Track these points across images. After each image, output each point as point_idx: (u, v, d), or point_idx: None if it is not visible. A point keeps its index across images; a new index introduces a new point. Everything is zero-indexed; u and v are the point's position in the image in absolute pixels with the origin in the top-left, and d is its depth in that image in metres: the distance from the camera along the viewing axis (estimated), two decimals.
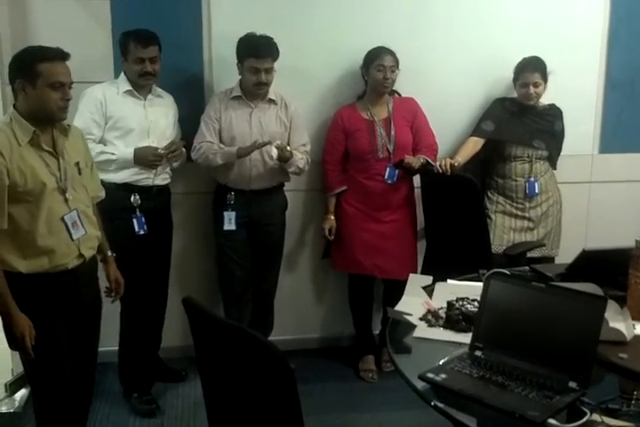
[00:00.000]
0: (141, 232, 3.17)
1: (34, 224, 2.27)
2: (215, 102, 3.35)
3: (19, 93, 2.29)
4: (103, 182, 2.92)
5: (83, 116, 3.07)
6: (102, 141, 3.12)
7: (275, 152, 3.26)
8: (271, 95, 3.36)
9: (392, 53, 3.44)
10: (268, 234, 3.47)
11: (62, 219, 2.34)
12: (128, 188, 3.15)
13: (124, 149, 3.10)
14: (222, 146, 3.31)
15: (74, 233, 2.37)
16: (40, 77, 2.24)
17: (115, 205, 3.03)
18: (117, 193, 3.08)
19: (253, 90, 3.29)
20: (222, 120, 3.33)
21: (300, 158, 3.37)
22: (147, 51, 3.07)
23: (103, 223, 2.61)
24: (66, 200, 2.36)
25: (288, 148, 3.27)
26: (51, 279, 2.33)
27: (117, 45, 3.17)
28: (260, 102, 3.35)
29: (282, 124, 3.39)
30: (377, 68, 3.43)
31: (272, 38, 3.25)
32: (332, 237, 3.58)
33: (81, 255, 2.41)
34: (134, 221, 3.15)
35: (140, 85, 3.14)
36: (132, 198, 3.15)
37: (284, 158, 3.27)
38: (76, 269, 2.40)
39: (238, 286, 3.49)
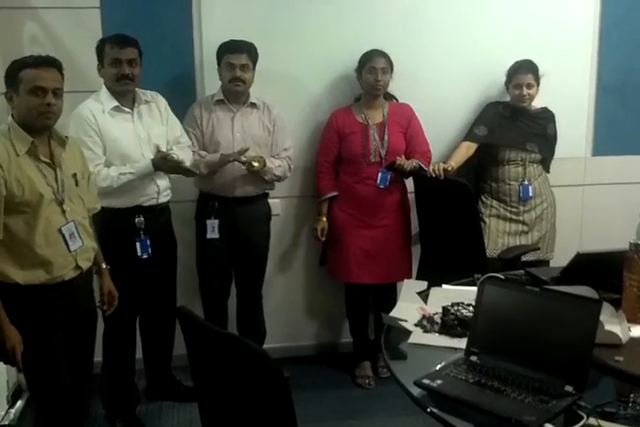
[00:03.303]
0: (144, 256, 3.04)
1: (31, 235, 2.25)
2: (195, 109, 3.34)
3: (9, 103, 2.29)
4: (105, 208, 2.88)
5: (82, 143, 2.79)
6: (107, 164, 2.96)
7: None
8: (253, 99, 3.34)
9: (385, 55, 3.44)
10: (251, 243, 3.43)
11: (60, 230, 2.32)
12: (131, 210, 3.02)
13: (139, 164, 2.97)
14: (204, 153, 3.29)
15: (71, 244, 2.35)
16: (21, 84, 2.23)
17: (115, 230, 2.96)
18: (118, 217, 2.99)
19: (229, 87, 3.26)
20: (204, 126, 3.31)
21: (278, 166, 3.35)
22: (123, 52, 2.93)
23: (101, 248, 2.59)
24: (63, 211, 2.34)
25: (254, 163, 3.20)
26: (47, 291, 2.31)
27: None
28: (242, 107, 3.34)
29: (265, 129, 3.37)
30: (369, 71, 3.43)
31: (252, 43, 3.26)
32: (324, 238, 3.57)
33: (78, 267, 2.40)
34: (137, 244, 3.02)
35: (119, 92, 2.98)
36: (136, 220, 3.02)
37: (252, 171, 3.23)
38: (72, 281, 2.37)
39: (216, 296, 3.47)
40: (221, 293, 3.49)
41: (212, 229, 3.32)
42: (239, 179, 3.29)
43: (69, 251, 2.35)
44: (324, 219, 3.57)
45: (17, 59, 2.32)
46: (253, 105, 3.35)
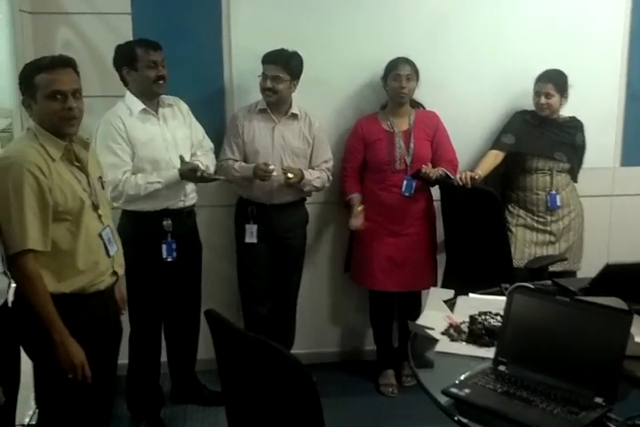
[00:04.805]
0: (169, 259, 3.07)
1: (74, 243, 2.19)
2: (237, 118, 3.38)
3: (27, 110, 2.21)
4: (133, 211, 2.95)
5: (110, 149, 2.91)
6: (137, 169, 2.99)
7: (279, 171, 3.23)
8: (294, 110, 3.37)
9: (410, 63, 3.45)
10: (288, 247, 3.47)
11: (100, 235, 2.28)
12: (159, 213, 3.04)
13: (166, 173, 2.99)
14: (238, 166, 3.31)
15: (110, 249, 2.31)
16: (38, 90, 2.13)
17: (143, 233, 3.00)
18: (146, 220, 3.02)
19: (263, 96, 3.30)
20: (245, 134, 3.34)
21: (317, 177, 3.38)
22: (157, 54, 2.98)
23: (128, 252, 2.53)
24: (99, 217, 2.29)
25: (290, 175, 3.22)
26: (83, 300, 2.24)
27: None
28: (283, 117, 3.37)
29: (304, 141, 3.39)
30: (393, 78, 3.44)
31: (296, 53, 3.28)
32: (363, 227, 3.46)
33: (114, 273, 2.36)
34: (163, 247, 3.04)
35: (152, 95, 3.02)
36: (164, 223, 3.03)
37: (290, 184, 3.26)
38: (104, 291, 2.32)
39: (258, 300, 3.49)
40: (263, 294, 3.49)
41: (251, 234, 3.35)
42: (276, 189, 3.32)
43: (109, 256, 2.31)
44: (360, 208, 3.47)
45: (29, 62, 2.24)
46: (295, 116, 3.37)
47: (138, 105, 3.02)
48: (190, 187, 3.16)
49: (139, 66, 2.98)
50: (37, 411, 2.99)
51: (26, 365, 2.29)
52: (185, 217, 3.17)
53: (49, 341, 2.14)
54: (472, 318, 2.18)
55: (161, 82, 3.01)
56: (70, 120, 2.17)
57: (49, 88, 2.13)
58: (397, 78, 3.43)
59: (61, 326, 2.14)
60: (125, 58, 3.01)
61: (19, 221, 2.09)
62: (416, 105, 3.61)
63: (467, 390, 1.76)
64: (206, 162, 3.17)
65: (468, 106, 3.72)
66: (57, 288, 2.18)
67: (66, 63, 2.19)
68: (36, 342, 2.19)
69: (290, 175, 3.23)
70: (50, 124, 2.18)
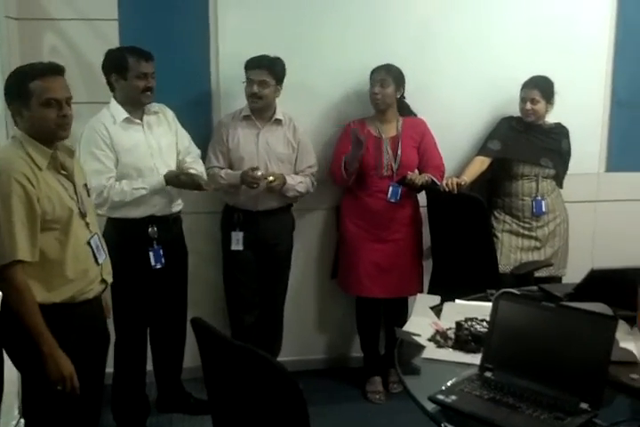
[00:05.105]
0: (158, 266, 3.05)
1: (63, 252, 2.18)
2: (221, 126, 3.38)
3: (16, 117, 2.19)
4: (119, 218, 2.94)
5: (94, 155, 2.90)
6: (123, 176, 2.98)
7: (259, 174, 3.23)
8: (278, 115, 3.37)
9: (388, 69, 3.45)
10: (275, 254, 3.47)
11: (88, 243, 2.26)
12: (144, 220, 3.03)
13: (151, 179, 2.99)
14: (224, 173, 3.32)
15: (99, 257, 2.30)
16: (33, 97, 2.12)
17: (128, 240, 2.98)
18: (132, 227, 3.01)
19: (248, 102, 3.31)
20: (230, 141, 3.35)
21: (300, 182, 3.39)
22: (149, 65, 2.98)
23: (114, 259, 2.50)
24: (87, 224, 2.28)
25: (271, 178, 3.23)
26: (71, 310, 2.22)
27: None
28: (267, 123, 3.37)
29: (289, 146, 3.40)
30: (371, 84, 3.46)
31: (278, 58, 3.28)
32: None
33: (103, 281, 2.35)
34: (151, 254, 3.03)
35: (139, 104, 3.02)
36: (149, 230, 3.03)
37: (272, 189, 3.26)
38: (92, 300, 2.30)
39: (245, 308, 3.48)
40: (249, 302, 3.48)
41: (237, 242, 3.35)
42: (262, 195, 3.32)
43: (98, 264, 2.30)
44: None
45: (18, 69, 2.23)
46: (279, 121, 3.37)
47: (121, 114, 3.01)
48: (176, 194, 3.15)
49: (128, 75, 2.96)
50: (23, 421, 2.99)
51: (10, 374, 2.27)
52: (171, 224, 3.16)
53: (37, 352, 2.12)
54: (458, 324, 2.18)
55: (148, 93, 3.00)
56: (64, 126, 2.19)
57: (44, 95, 2.13)
58: (372, 84, 3.45)
59: (50, 337, 2.12)
60: (115, 65, 2.99)
61: (7, 231, 2.07)
62: (407, 113, 3.61)
63: (453, 397, 1.76)
64: (201, 169, 3.18)
65: (455, 112, 3.74)
66: (47, 298, 2.16)
67: (57, 71, 2.20)
68: (24, 353, 2.17)
69: (270, 178, 3.23)
70: (44, 130, 2.16)
